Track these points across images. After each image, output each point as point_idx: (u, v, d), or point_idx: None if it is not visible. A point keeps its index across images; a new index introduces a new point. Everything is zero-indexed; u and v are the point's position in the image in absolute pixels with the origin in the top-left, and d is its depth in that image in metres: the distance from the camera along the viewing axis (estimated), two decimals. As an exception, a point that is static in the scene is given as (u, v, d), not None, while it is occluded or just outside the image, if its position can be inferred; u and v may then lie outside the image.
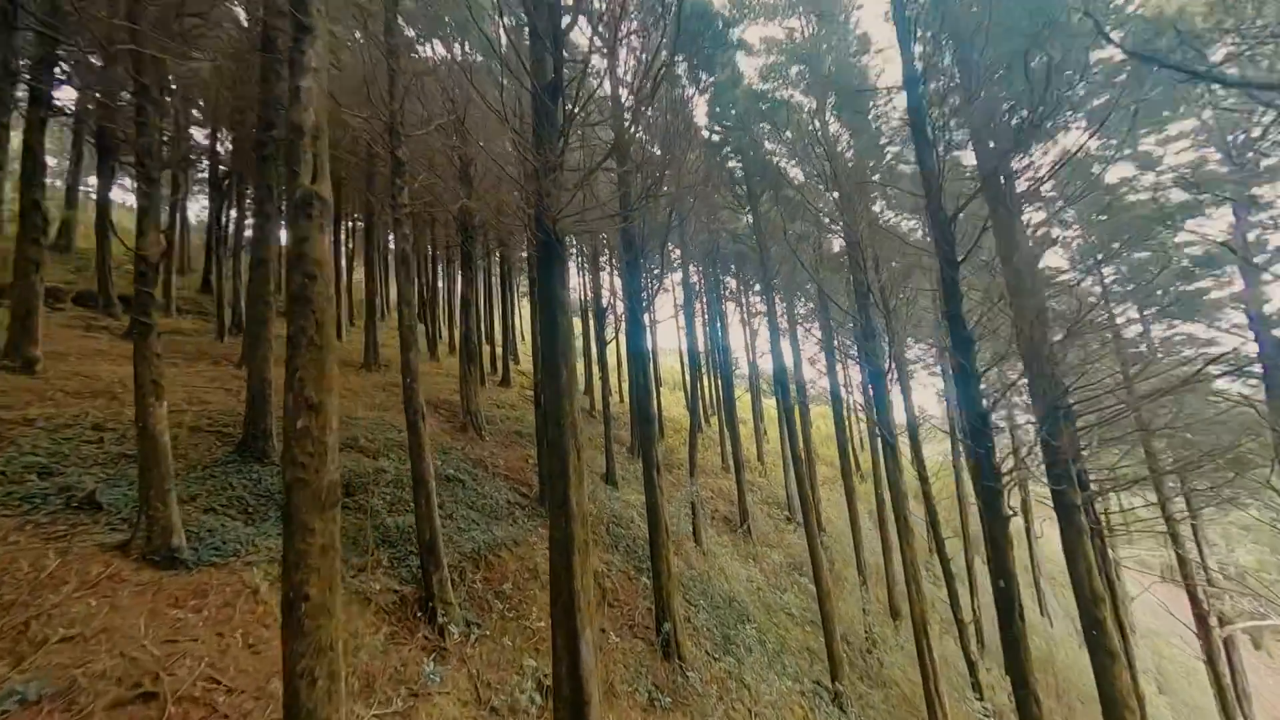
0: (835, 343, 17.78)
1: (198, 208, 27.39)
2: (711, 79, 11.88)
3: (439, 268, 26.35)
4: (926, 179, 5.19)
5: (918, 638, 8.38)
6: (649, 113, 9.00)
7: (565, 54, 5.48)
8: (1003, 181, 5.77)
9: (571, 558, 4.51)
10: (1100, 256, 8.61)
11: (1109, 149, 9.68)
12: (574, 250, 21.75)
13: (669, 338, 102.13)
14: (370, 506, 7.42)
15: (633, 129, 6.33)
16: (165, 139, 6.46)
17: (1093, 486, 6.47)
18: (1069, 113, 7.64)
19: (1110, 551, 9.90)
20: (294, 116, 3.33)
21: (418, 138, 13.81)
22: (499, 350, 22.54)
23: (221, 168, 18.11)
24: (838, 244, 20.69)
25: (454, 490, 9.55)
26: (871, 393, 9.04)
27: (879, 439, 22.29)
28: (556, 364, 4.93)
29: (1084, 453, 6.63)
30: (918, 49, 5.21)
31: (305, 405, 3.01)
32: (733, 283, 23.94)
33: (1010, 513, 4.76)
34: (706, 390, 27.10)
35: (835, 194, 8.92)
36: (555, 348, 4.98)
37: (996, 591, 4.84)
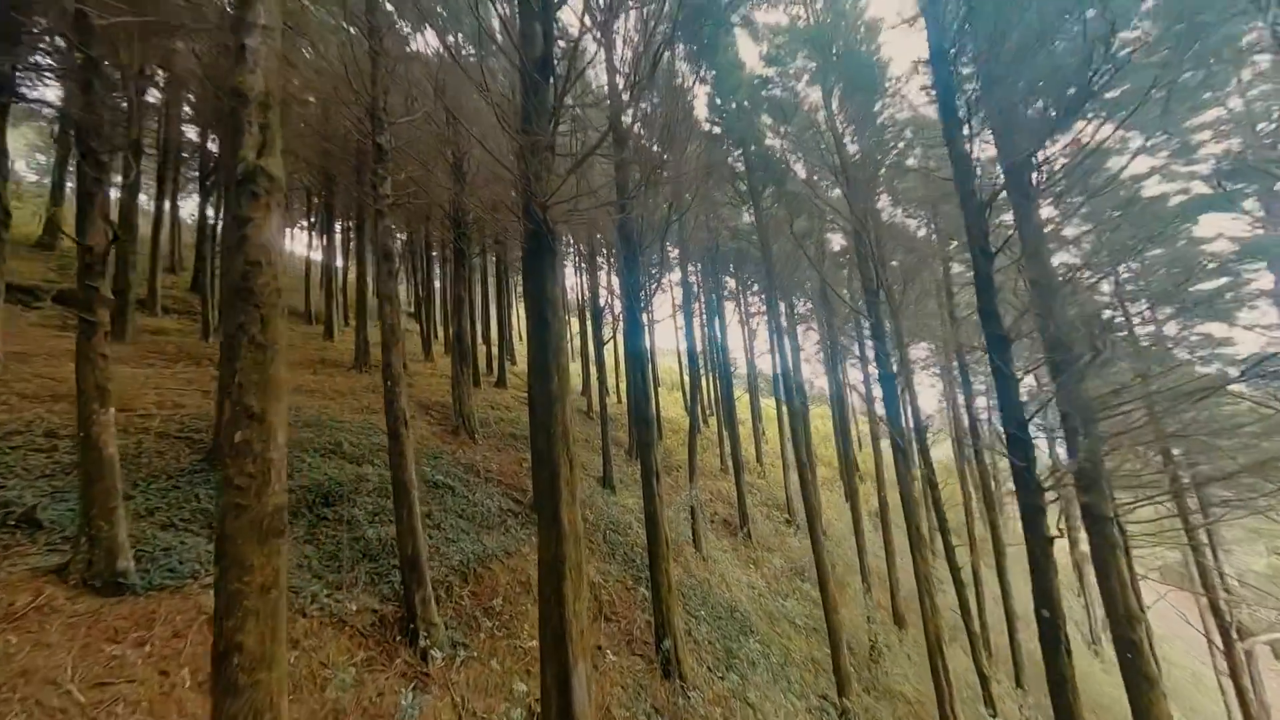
0: (840, 342, 17.35)
1: (192, 205, 26.91)
2: (713, 71, 11.43)
3: (434, 266, 25.86)
4: (956, 161, 4.74)
5: (931, 654, 7.94)
6: (645, 107, 8.56)
7: (557, 30, 5.04)
8: (1036, 169, 5.32)
9: (562, 583, 4.05)
10: (1127, 250, 8.18)
11: (1126, 139, 9.26)
12: (570, 249, 21.31)
13: (666, 338, 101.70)
14: (350, 517, 6.95)
15: (630, 110, 5.88)
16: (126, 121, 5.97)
17: (1123, 496, 6.04)
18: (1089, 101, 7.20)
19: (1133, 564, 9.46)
20: (237, 80, 2.86)
21: (406, 131, 13.34)
22: (495, 350, 22.07)
23: (211, 164, 17.59)
24: (837, 242, 20.31)
25: (442, 498, 9.08)
26: (880, 395, 8.64)
27: (881, 440, 21.84)
28: (547, 367, 4.47)
29: (1107, 460, 6.18)
30: (949, 11, 4.76)
31: (245, 415, 2.55)
32: (731, 282, 23.53)
33: (1056, 533, 4.30)
34: (705, 391, 26.68)
35: (844, 184, 8.48)
36: (546, 349, 4.52)
37: (1040, 622, 4.36)
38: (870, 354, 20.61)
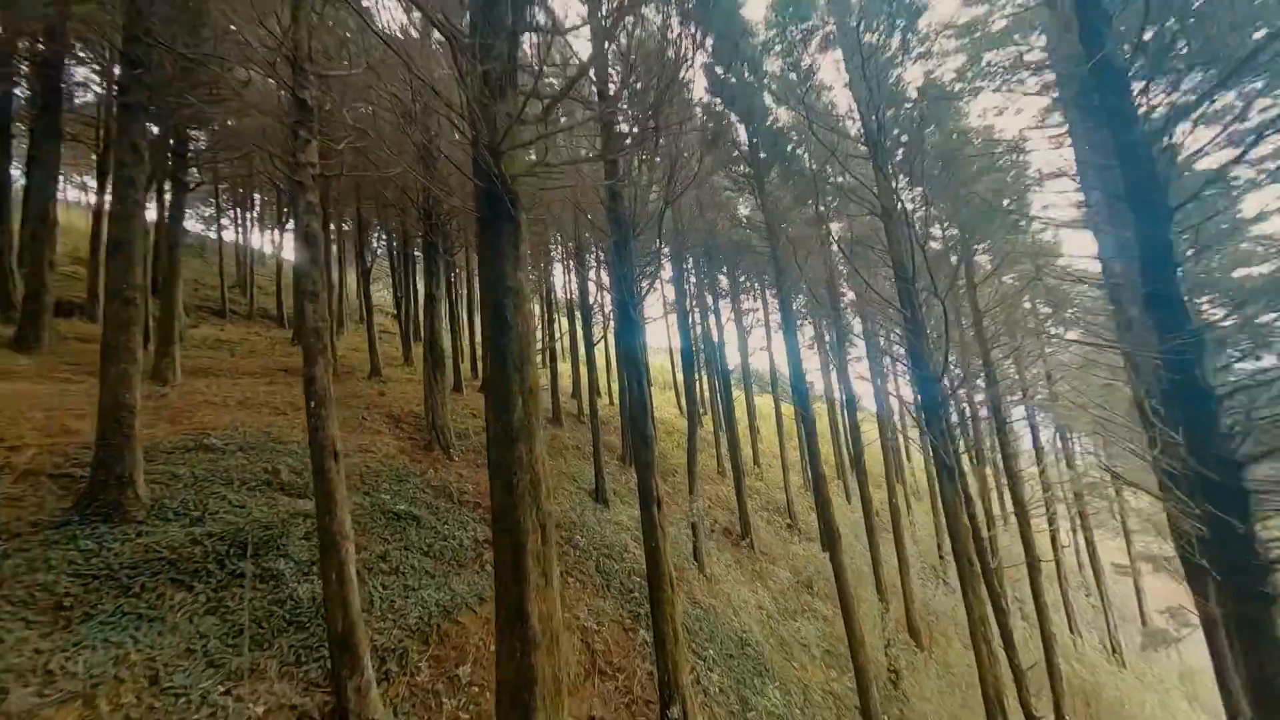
0: (880, 342, 16.12)
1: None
2: (710, 36, 10.11)
3: (414, 265, 24.30)
4: (1100, 77, 3.35)
5: (989, 707, 6.69)
6: (635, 82, 7.18)
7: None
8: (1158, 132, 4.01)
9: (531, 715, 2.68)
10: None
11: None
12: (556, 243, 19.92)
13: (659, 335, 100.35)
14: (275, 571, 5.52)
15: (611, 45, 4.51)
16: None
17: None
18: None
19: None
20: None
21: (370, 120, 11.85)
22: (480, 352, 20.62)
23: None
24: (835, 231, 19.07)
25: (404, 532, 7.67)
26: (888, 396, 7.38)
27: (886, 437, 20.58)
28: (508, 389, 3.09)
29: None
30: None
31: None
32: (725, 280, 22.28)
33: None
34: (700, 390, 25.43)
35: (872, 154, 7.20)
36: (505, 362, 3.13)
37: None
38: (875, 350, 19.38)
